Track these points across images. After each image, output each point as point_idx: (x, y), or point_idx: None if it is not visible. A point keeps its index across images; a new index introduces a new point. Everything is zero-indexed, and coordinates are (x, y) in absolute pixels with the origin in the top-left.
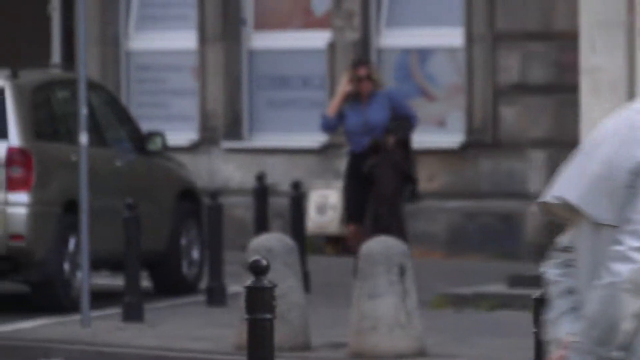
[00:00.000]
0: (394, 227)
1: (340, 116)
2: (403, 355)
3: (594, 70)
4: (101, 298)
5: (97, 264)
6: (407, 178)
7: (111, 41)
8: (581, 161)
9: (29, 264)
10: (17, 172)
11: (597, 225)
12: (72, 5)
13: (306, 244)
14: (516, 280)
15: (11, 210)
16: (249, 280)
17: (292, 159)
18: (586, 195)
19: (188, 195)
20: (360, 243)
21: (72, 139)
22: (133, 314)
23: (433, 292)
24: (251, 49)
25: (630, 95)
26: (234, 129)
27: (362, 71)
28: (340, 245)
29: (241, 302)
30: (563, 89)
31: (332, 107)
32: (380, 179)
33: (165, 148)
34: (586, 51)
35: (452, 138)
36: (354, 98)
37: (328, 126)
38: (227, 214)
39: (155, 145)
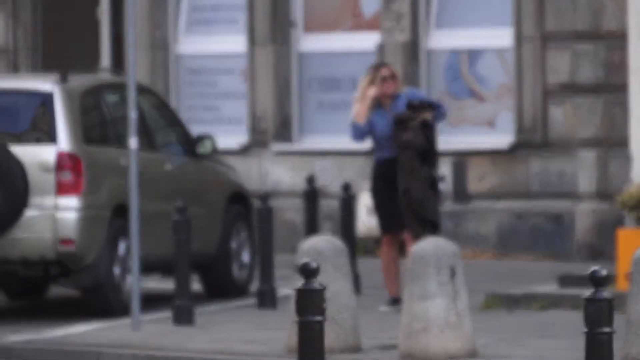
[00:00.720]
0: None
1: (368, 123)
2: (454, 356)
3: None
4: (152, 302)
5: (148, 268)
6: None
7: (160, 45)
8: None
9: (80, 268)
10: (67, 177)
11: None
12: (121, 9)
13: (356, 246)
14: (567, 280)
15: (61, 214)
16: (300, 282)
17: (342, 161)
18: None
19: (238, 198)
20: (405, 250)
21: (121, 143)
22: (183, 317)
23: (484, 293)
24: (300, 51)
25: None
26: (283, 132)
27: (386, 71)
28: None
29: (292, 305)
30: (612, 88)
31: (360, 114)
32: (416, 199)
33: (215, 151)
34: (635, 51)
35: (501, 138)
36: (377, 102)
37: (360, 134)
38: (277, 216)
39: (205, 148)
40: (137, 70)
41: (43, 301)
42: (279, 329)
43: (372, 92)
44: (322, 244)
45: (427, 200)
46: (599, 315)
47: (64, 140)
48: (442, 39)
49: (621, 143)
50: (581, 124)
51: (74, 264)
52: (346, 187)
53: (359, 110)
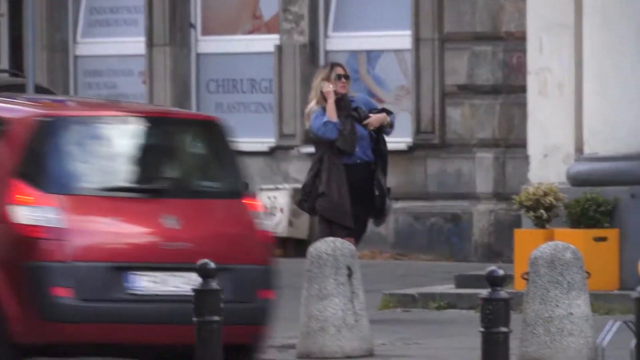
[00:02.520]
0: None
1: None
2: (351, 355)
3: (541, 72)
4: None
5: None
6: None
7: (60, 46)
8: None
9: None
10: None
11: None
12: (20, 10)
13: None
14: (464, 280)
15: None
16: (198, 283)
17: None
18: None
19: None
20: None
21: None
22: None
23: (381, 293)
24: (199, 53)
25: (577, 96)
26: None
27: (341, 70)
28: (287, 247)
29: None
30: (510, 90)
31: (330, 111)
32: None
33: None
34: (533, 52)
35: (400, 140)
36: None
37: (336, 131)
38: None
39: None
40: (36, 72)
41: None
42: None
43: (329, 87)
44: None
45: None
46: (495, 315)
47: None
48: (340, 41)
49: (519, 144)
50: (479, 125)
51: None
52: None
53: (328, 108)
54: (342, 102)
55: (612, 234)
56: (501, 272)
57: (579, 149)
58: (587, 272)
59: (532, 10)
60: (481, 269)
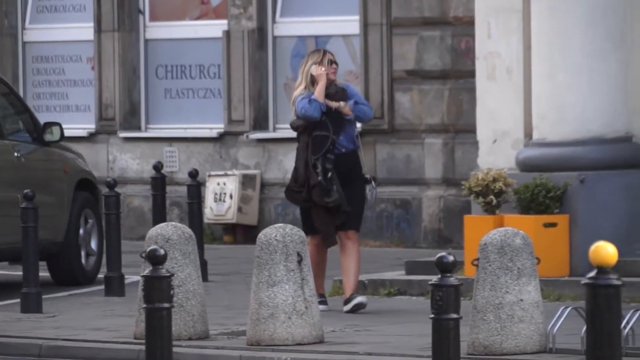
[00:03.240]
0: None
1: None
2: (301, 342)
3: (489, 56)
4: (0, 290)
5: None
6: None
7: (8, 32)
8: None
9: None
10: None
11: None
12: None
13: (204, 232)
14: (414, 267)
15: None
16: (146, 269)
17: (189, 148)
18: None
19: (86, 185)
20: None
21: None
22: (31, 305)
23: (332, 279)
24: (148, 39)
25: (526, 81)
26: (131, 119)
27: (331, 56)
28: (237, 233)
29: (139, 292)
30: (459, 75)
31: (319, 92)
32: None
33: (63, 138)
34: (482, 37)
35: None
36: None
37: (320, 111)
38: (125, 203)
39: (52, 135)
40: None
41: None
42: (127, 316)
43: (321, 69)
44: (170, 231)
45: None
46: (445, 301)
47: None
48: (288, 26)
49: (468, 129)
50: (428, 111)
51: None
52: (194, 174)
53: (318, 89)
54: (333, 89)
55: (562, 219)
56: (451, 258)
57: (528, 134)
58: (537, 258)
59: None
60: (431, 255)
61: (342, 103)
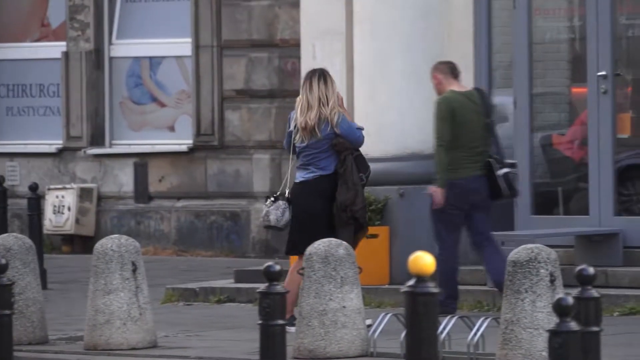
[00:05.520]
0: None
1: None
2: (136, 347)
3: None
4: None
5: None
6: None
7: None
8: None
9: None
10: None
11: None
12: None
13: (43, 243)
14: (242, 275)
15: None
16: None
17: (30, 163)
18: None
19: None
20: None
21: None
22: None
23: (164, 287)
24: None
25: (349, 101)
26: None
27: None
28: (75, 243)
29: None
30: (285, 94)
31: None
32: None
33: None
34: (307, 58)
35: (181, 141)
36: None
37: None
38: None
39: None
40: None
41: None
42: None
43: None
44: (11, 241)
45: None
46: (272, 308)
47: None
48: (124, 48)
49: None
50: (256, 128)
51: None
52: (34, 188)
53: (348, 117)
54: None
55: (382, 231)
56: (278, 267)
57: None
58: (360, 268)
59: (305, 18)
60: (259, 265)
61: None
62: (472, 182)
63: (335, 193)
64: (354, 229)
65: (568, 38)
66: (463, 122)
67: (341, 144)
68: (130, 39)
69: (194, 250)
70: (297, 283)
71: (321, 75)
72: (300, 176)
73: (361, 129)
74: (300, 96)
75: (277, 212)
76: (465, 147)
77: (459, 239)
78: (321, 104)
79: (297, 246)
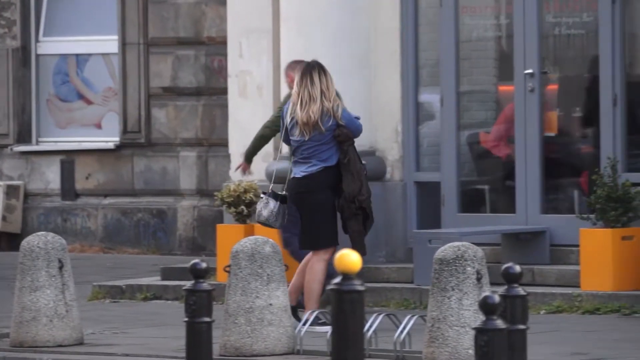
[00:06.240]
0: None
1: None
2: (62, 344)
3: (241, 74)
4: None
5: None
6: None
7: None
8: None
9: None
10: None
11: None
12: None
13: None
14: (169, 273)
15: None
16: None
17: None
18: None
19: None
20: None
21: None
22: None
23: (91, 285)
24: None
25: (275, 98)
26: None
27: None
28: (2, 241)
29: None
30: (212, 92)
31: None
32: None
33: None
34: (234, 56)
35: (107, 139)
36: None
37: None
38: None
39: None
40: None
41: None
42: None
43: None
44: None
45: None
46: (198, 306)
47: None
48: (51, 45)
49: (221, 143)
50: (183, 126)
51: None
52: None
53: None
54: None
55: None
56: (204, 265)
57: (277, 147)
58: (286, 265)
59: (232, 15)
60: (185, 262)
61: None
62: None
63: (338, 184)
64: (361, 219)
65: (495, 36)
66: None
67: (344, 134)
68: (57, 36)
69: (121, 247)
70: (319, 280)
71: (320, 67)
72: (300, 171)
73: (358, 118)
74: (296, 90)
75: (267, 210)
76: None
77: None
78: (323, 97)
79: (335, 236)
